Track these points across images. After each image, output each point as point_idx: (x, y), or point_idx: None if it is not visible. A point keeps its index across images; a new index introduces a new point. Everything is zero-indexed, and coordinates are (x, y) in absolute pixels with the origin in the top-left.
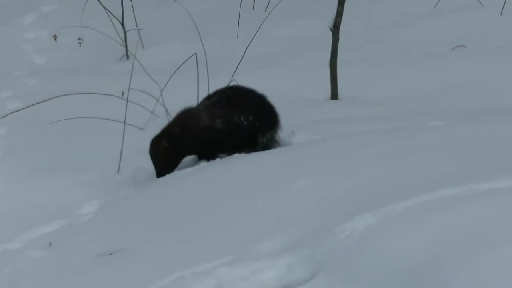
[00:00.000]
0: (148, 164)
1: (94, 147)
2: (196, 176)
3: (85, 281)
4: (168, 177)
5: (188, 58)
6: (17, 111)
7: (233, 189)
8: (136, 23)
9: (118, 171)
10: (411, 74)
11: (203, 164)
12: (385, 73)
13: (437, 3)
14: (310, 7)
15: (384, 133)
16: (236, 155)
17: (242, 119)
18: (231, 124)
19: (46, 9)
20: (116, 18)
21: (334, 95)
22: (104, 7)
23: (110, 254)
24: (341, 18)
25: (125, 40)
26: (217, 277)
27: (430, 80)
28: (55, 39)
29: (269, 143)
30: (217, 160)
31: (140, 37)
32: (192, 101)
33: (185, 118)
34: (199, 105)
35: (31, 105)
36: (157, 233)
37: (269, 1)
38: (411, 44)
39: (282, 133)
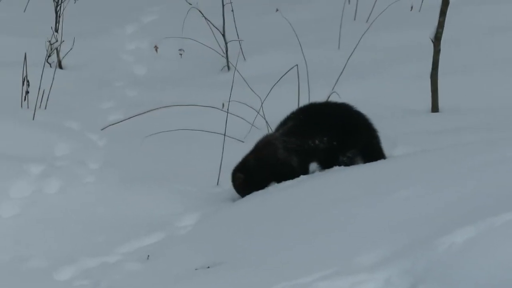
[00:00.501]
0: None
1: (193, 159)
2: (296, 188)
3: None
4: (268, 189)
5: (289, 70)
6: (117, 122)
7: (334, 200)
8: (237, 33)
9: (218, 184)
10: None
11: (303, 177)
12: (485, 83)
13: None
14: (412, 17)
15: (486, 143)
16: (336, 168)
17: (317, 142)
18: (305, 150)
19: (147, 19)
20: (217, 29)
21: (435, 108)
22: (205, 18)
23: (208, 267)
24: (442, 29)
25: (226, 51)
26: None
27: None
28: (156, 50)
29: (350, 163)
30: (317, 173)
31: (241, 48)
32: None
33: (262, 149)
34: (276, 129)
35: (131, 117)
36: (255, 246)
37: (371, 12)
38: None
39: (383, 144)
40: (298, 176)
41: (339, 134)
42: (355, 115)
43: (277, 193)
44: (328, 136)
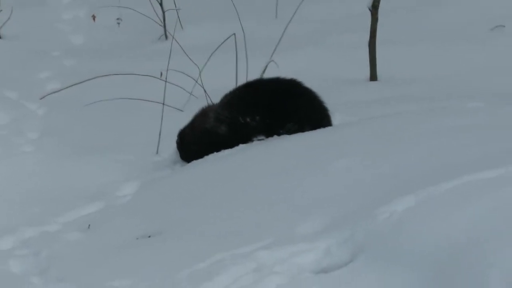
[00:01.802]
0: None
1: (132, 128)
2: (234, 157)
3: (123, 264)
4: (206, 158)
5: (226, 39)
6: (56, 92)
7: (272, 170)
8: (174, 2)
9: (157, 153)
10: (449, 54)
11: (242, 145)
12: (423, 53)
13: None
14: None
15: (423, 114)
16: (275, 137)
17: (248, 120)
18: (234, 125)
19: None
20: None
21: (373, 76)
22: None
23: (149, 236)
24: None
25: (164, 20)
26: (256, 260)
27: (468, 61)
28: (94, 19)
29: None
30: (256, 141)
31: (178, 17)
32: (230, 82)
33: (198, 116)
34: (221, 100)
35: (69, 86)
36: (195, 215)
37: None
38: (450, 24)
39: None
40: (231, 146)
41: (274, 113)
42: (298, 93)
43: (216, 162)
44: (261, 115)
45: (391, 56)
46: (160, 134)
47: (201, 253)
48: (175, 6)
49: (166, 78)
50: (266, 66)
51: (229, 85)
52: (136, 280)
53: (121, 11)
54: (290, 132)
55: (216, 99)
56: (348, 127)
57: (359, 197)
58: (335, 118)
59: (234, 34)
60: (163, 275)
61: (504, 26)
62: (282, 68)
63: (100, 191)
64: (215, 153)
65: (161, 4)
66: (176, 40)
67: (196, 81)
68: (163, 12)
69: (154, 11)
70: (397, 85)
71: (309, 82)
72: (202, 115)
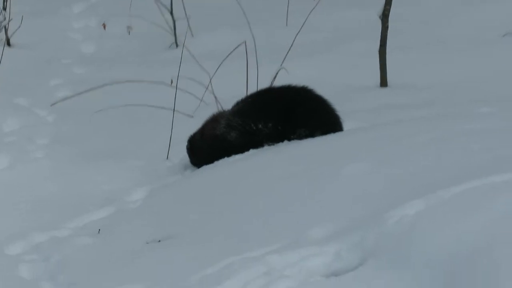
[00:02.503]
0: None
1: (143, 135)
2: (245, 162)
3: (134, 269)
4: (217, 163)
5: (237, 46)
6: (67, 98)
7: (283, 175)
8: (185, 11)
9: (167, 158)
10: (460, 60)
11: (253, 150)
12: (434, 60)
13: None
14: None
15: (433, 119)
16: (286, 142)
17: (260, 126)
18: (246, 133)
19: None
20: (165, 7)
21: (384, 83)
22: None
23: (159, 241)
24: (390, 6)
25: (174, 28)
26: (266, 264)
27: (480, 67)
28: (104, 27)
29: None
30: (266, 147)
31: (189, 25)
32: (241, 89)
33: (207, 123)
34: (232, 107)
35: (79, 93)
36: (206, 220)
37: None
38: (461, 30)
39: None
40: (241, 152)
41: (286, 119)
42: (309, 100)
43: (226, 167)
44: (273, 122)
45: (402, 62)
46: (170, 140)
47: (212, 258)
48: (186, 15)
49: (176, 85)
50: (277, 74)
51: (240, 92)
52: (147, 285)
53: (131, 19)
54: (301, 137)
55: (227, 105)
56: (359, 132)
57: (370, 201)
58: (346, 124)
59: (245, 41)
60: (174, 280)
61: None
62: (293, 75)
63: (110, 196)
64: (225, 158)
65: (171, 13)
66: (186, 48)
67: (207, 88)
68: (174, 20)
69: (165, 19)
70: (408, 91)
71: (320, 89)
72: (213, 121)
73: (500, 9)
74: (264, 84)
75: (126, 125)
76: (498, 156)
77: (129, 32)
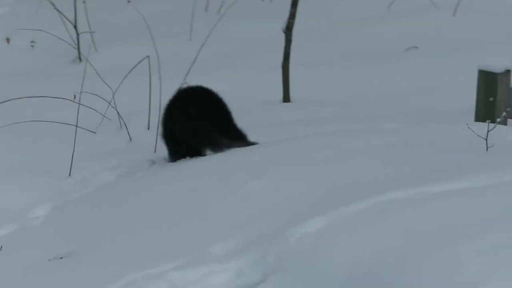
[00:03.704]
0: (98, 167)
1: (45, 151)
2: (149, 178)
3: (35, 286)
4: (122, 179)
5: (140, 61)
6: None
7: (184, 190)
8: (89, 25)
9: (70, 175)
10: (364, 75)
11: (156, 167)
12: (337, 75)
13: (391, 4)
14: (264, 9)
15: (336, 135)
16: (187, 158)
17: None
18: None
19: None
20: (69, 21)
21: (286, 98)
22: (57, 10)
23: (61, 258)
24: (294, 20)
25: (78, 42)
26: (168, 281)
27: (384, 82)
28: (8, 41)
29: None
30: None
31: (92, 39)
32: (144, 104)
33: None
34: None
35: None
36: (109, 236)
37: (222, 3)
38: (365, 45)
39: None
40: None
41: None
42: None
43: (131, 183)
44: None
45: (306, 78)
46: (72, 156)
47: (113, 274)
48: (90, 29)
49: (79, 101)
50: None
51: (143, 107)
52: None
53: (35, 33)
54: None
55: (129, 121)
56: (263, 148)
57: (272, 218)
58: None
59: (148, 56)
60: None
61: (417, 48)
62: None
63: (12, 213)
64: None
65: (75, 27)
66: (90, 63)
67: (110, 103)
68: (77, 34)
69: (69, 34)
70: (311, 107)
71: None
72: None
73: (403, 25)
74: (167, 99)
75: (28, 141)
76: (399, 172)
77: (32, 46)
